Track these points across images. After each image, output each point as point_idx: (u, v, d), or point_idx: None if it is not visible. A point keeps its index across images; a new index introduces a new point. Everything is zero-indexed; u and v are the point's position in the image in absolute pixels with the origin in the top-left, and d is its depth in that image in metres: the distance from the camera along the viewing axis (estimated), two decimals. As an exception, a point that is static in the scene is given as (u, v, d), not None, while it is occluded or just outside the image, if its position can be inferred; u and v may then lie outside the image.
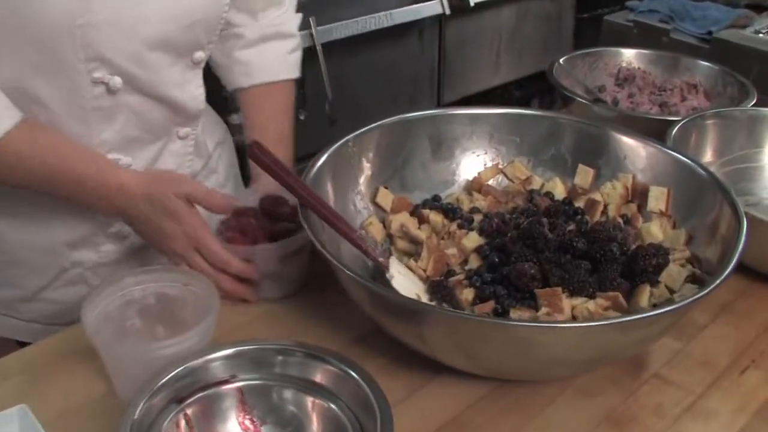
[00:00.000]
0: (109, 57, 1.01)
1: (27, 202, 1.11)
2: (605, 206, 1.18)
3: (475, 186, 1.24)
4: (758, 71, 1.65)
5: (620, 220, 1.14)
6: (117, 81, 1.03)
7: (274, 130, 1.26)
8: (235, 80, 1.29)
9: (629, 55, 1.70)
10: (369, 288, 0.89)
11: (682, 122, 1.31)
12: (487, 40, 3.10)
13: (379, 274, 1.04)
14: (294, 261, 1.10)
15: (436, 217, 1.16)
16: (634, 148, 1.19)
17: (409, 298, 0.91)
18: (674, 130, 1.28)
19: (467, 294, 1.03)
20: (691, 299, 0.86)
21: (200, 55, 1.12)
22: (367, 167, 1.17)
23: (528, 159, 1.26)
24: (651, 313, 0.84)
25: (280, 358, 0.89)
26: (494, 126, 1.25)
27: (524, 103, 3.78)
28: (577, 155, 1.24)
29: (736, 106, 1.50)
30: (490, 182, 1.25)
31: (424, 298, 1.02)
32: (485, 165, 1.26)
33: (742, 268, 1.03)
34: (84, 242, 1.16)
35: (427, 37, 2.84)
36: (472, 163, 1.26)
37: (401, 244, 1.15)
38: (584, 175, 1.22)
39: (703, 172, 1.11)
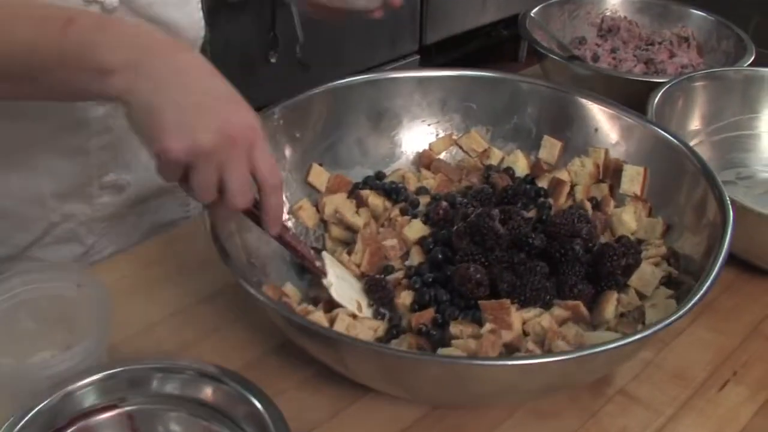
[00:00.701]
0: None
1: (7, 141, 0.97)
2: (572, 187, 1.03)
3: (424, 161, 1.08)
4: (758, 21, 1.47)
5: (588, 205, 0.99)
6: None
7: None
8: None
9: (614, 3, 1.51)
10: (284, 317, 0.75)
11: (666, 86, 1.14)
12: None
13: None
14: None
15: (376, 200, 1.01)
16: (608, 119, 1.03)
17: (323, 328, 0.76)
18: (657, 97, 1.11)
19: (405, 298, 0.89)
20: (661, 325, 0.71)
21: None
22: (297, 142, 1.01)
23: (486, 128, 1.10)
24: (606, 347, 0.68)
25: (174, 377, 0.76)
26: (447, 91, 1.09)
27: (514, 45, 3.59)
28: (543, 125, 1.08)
29: (731, 62, 1.33)
30: (442, 156, 1.09)
31: (364, 305, 0.89)
32: (437, 136, 1.10)
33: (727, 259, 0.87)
34: (75, 193, 1.04)
35: (408, -28, 2.65)
36: (422, 133, 1.10)
37: (336, 231, 1.00)
38: (550, 148, 1.06)
39: (684, 149, 0.95)
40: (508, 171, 1.05)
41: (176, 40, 0.78)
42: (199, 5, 1.03)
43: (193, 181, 0.73)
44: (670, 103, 1.14)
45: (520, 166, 1.06)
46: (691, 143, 1.18)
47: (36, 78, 0.76)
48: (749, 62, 1.27)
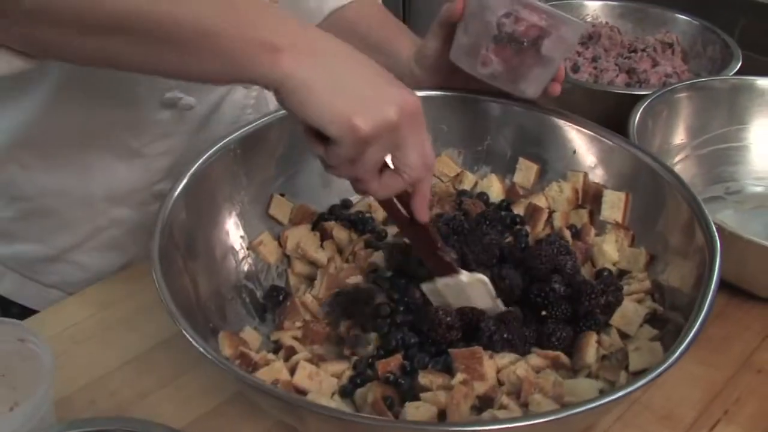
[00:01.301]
0: None
1: (64, 133, 0.94)
2: (550, 213, 0.96)
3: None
4: (744, 25, 1.41)
5: (568, 233, 0.93)
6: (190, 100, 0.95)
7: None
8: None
9: (595, 8, 1.45)
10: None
11: (649, 100, 1.08)
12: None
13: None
14: None
15: (340, 233, 0.95)
16: (586, 141, 0.97)
17: (276, 391, 0.70)
18: (638, 112, 1.05)
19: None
20: (646, 380, 0.65)
21: None
22: (256, 172, 0.95)
23: (459, 151, 1.04)
24: (586, 407, 0.62)
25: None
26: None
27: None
28: (518, 147, 1.02)
29: (717, 68, 1.27)
30: (413, 182, 1.03)
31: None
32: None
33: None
34: (126, 198, 1.01)
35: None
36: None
37: (299, 266, 0.94)
38: (526, 171, 1.00)
39: (667, 174, 0.89)
40: (482, 197, 0.99)
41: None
42: None
43: (366, 160, 0.71)
44: (653, 117, 1.08)
45: (495, 190, 1.01)
46: (677, 158, 1.13)
47: (201, 47, 0.68)
48: (736, 69, 1.21)
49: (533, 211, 0.96)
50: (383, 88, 0.71)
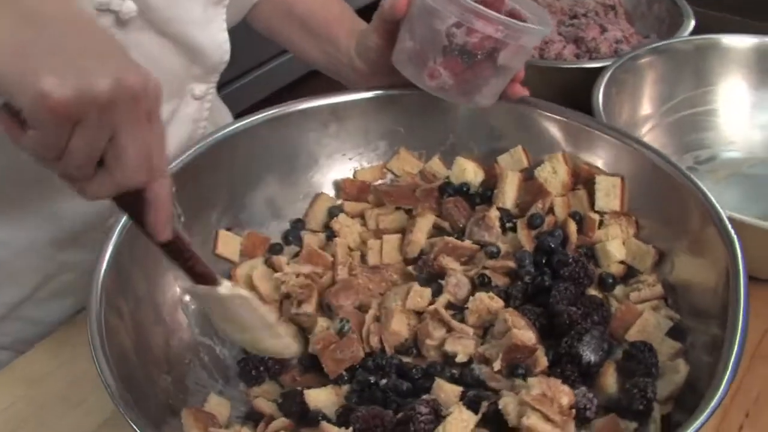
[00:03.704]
0: None
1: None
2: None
3: (351, 191, 0.91)
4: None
5: (573, 227, 0.83)
6: (130, 6, 0.78)
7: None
8: None
9: (526, -26, 1.35)
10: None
11: (610, 71, 0.99)
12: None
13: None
14: None
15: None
16: (560, 126, 0.87)
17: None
18: (601, 86, 0.97)
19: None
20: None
21: None
22: (196, 210, 0.82)
23: (420, 153, 0.93)
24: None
25: None
26: (367, 116, 0.91)
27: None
28: (486, 142, 0.91)
29: (666, 29, 1.19)
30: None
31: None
32: (360, 167, 0.93)
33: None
34: (77, 239, 0.91)
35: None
36: (345, 170, 0.93)
37: (260, 309, 0.82)
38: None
39: (664, 162, 0.80)
40: (463, 188, 0.89)
41: None
42: (224, 25, 0.91)
43: (74, 145, 0.54)
44: (617, 89, 1.00)
45: (470, 173, 0.90)
46: (644, 129, 1.05)
47: None
48: (691, 28, 1.13)
49: (538, 191, 0.85)
50: (101, 57, 0.54)
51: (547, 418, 0.61)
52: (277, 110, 0.87)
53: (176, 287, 0.79)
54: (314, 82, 2.80)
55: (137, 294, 0.74)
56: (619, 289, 0.80)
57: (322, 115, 0.89)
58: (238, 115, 1.01)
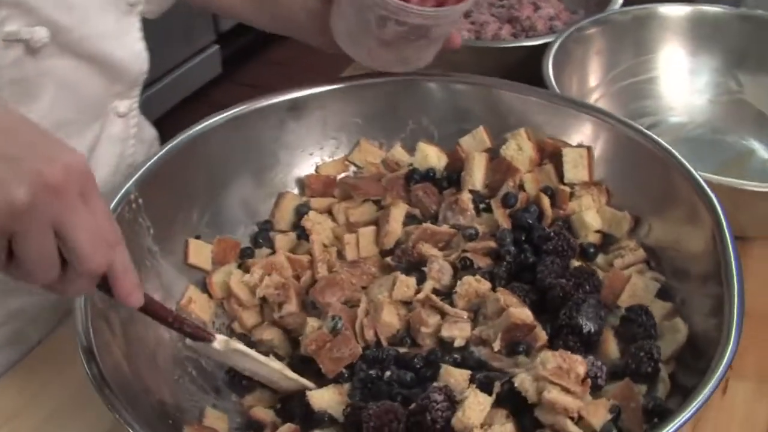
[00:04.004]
0: None
1: None
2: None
3: (316, 187, 0.89)
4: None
5: (547, 201, 0.83)
6: (40, 33, 0.74)
7: None
8: None
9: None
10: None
11: (555, 46, 1.00)
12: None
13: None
14: None
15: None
16: (519, 103, 0.87)
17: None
18: (549, 61, 0.97)
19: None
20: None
21: None
22: (164, 220, 0.79)
23: (380, 143, 0.92)
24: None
25: None
26: (323, 109, 0.89)
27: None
28: (446, 125, 0.91)
29: (594, 4, 1.21)
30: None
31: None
32: (322, 162, 0.91)
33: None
34: (14, 289, 0.83)
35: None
36: (306, 166, 0.91)
37: (245, 315, 0.79)
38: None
39: (629, 130, 0.81)
40: (430, 174, 0.88)
41: None
42: (139, 35, 0.88)
43: (25, 257, 0.53)
44: (567, 62, 1.01)
45: (433, 158, 0.89)
46: (592, 100, 1.07)
47: None
48: (621, 1, 1.15)
49: (507, 169, 0.85)
50: (14, 164, 0.51)
51: (567, 390, 0.61)
52: (234, 111, 0.85)
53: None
54: (226, 84, 2.76)
55: (126, 324, 0.70)
56: (600, 258, 0.80)
57: (279, 112, 0.87)
58: (155, 123, 0.99)
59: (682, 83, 1.10)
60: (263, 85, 1.33)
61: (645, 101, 1.09)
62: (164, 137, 0.88)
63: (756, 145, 1.06)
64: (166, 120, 2.16)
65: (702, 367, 0.64)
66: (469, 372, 0.67)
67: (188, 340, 0.69)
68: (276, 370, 0.71)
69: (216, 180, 0.84)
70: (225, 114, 0.84)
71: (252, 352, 0.71)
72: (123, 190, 0.74)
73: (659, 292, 0.75)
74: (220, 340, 0.68)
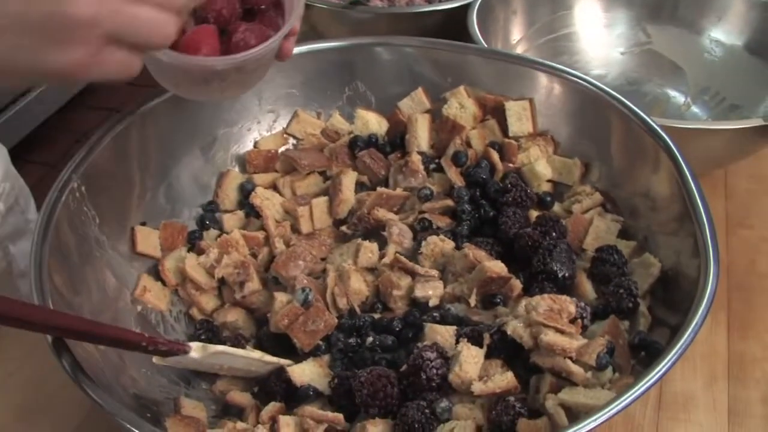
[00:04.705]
0: None
1: None
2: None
3: (257, 163, 0.86)
4: None
5: (496, 156, 0.82)
6: None
7: None
8: None
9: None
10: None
11: (477, 5, 1.00)
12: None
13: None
14: None
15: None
16: (455, 61, 0.86)
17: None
18: (473, 20, 0.97)
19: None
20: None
21: None
22: (108, 209, 0.74)
23: (317, 113, 0.89)
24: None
25: None
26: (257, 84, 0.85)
27: None
28: (382, 89, 0.89)
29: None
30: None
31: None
32: (261, 137, 0.88)
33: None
34: None
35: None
36: (247, 141, 0.87)
37: (204, 300, 0.76)
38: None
39: (568, 76, 0.82)
40: (372, 139, 0.86)
41: None
42: None
43: (141, 24, 0.54)
44: (491, 19, 1.02)
45: (373, 124, 0.87)
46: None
47: None
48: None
49: (452, 128, 0.84)
50: None
51: (562, 332, 0.60)
52: (168, 93, 0.80)
53: (109, 300, 0.71)
54: (91, 99, 2.54)
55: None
56: (556, 206, 0.80)
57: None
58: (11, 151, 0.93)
59: (598, 37, 1.12)
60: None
61: (564, 56, 1.11)
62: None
63: (672, 92, 1.09)
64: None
65: (677, 299, 0.66)
66: (454, 327, 0.66)
67: (156, 359, 0.64)
68: (255, 359, 0.68)
69: (153, 164, 0.79)
70: (160, 97, 0.79)
71: (229, 348, 0.67)
72: (62, 180, 0.69)
73: (620, 232, 0.75)
74: (196, 348, 0.64)
